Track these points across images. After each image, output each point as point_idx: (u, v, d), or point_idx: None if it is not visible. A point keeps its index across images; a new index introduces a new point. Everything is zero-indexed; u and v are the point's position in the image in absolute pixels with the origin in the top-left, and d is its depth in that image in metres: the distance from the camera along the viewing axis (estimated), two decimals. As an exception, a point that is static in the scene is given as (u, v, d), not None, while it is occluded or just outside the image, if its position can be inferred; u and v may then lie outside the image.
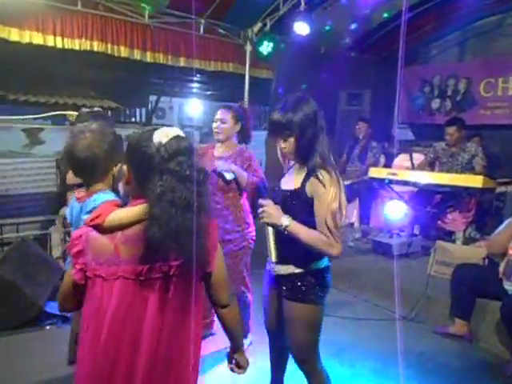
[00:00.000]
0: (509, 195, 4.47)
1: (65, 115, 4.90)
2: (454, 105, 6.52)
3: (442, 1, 5.45)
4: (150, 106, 8.79)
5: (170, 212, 1.08)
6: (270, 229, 1.67)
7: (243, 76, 5.57)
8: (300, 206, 1.67)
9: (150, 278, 1.15)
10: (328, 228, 1.59)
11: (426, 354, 2.82)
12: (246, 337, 2.70)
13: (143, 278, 1.15)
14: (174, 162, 1.11)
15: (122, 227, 1.15)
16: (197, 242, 1.11)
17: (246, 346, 2.70)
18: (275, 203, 1.68)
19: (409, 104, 7.10)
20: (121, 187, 1.62)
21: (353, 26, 5.71)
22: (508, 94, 5.85)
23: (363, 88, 6.32)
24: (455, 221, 4.29)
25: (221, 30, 5.24)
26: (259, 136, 5.61)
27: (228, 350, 1.49)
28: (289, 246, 1.66)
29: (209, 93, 8.98)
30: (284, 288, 1.76)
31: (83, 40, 4.29)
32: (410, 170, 4.64)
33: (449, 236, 4.37)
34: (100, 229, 1.16)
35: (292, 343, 1.80)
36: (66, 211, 1.80)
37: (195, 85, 8.69)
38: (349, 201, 4.86)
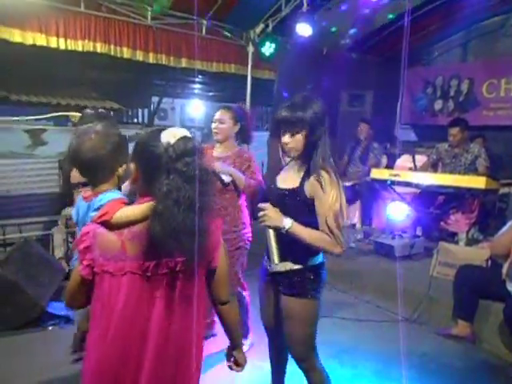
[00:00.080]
0: (512, 196, 4.46)
1: (67, 116, 4.93)
2: (456, 106, 6.51)
3: (445, 2, 5.43)
4: (152, 106, 8.83)
5: (173, 210, 1.10)
6: (271, 231, 1.68)
7: (245, 77, 5.57)
8: (298, 205, 1.68)
9: (157, 274, 1.18)
10: (330, 228, 1.61)
11: (428, 355, 2.81)
12: (246, 337, 2.70)
13: (150, 274, 1.17)
14: (181, 162, 1.13)
15: (128, 224, 1.18)
16: (199, 239, 1.13)
17: (247, 347, 2.70)
18: (271, 201, 1.70)
19: (411, 105, 7.09)
20: (123, 187, 1.63)
21: (355, 28, 5.71)
22: (511, 95, 5.83)
23: (365, 89, 6.32)
24: (458, 222, 4.27)
25: (223, 31, 5.25)
26: (261, 137, 5.61)
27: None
28: (288, 244, 1.67)
29: (211, 94, 9.00)
30: (282, 284, 1.77)
31: (86, 41, 4.30)
32: (412, 171, 4.63)
33: (451, 237, 4.36)
34: (108, 225, 1.18)
35: (290, 340, 1.80)
36: (71, 211, 1.81)
37: (197, 86, 8.72)
38: (350, 202, 4.92)
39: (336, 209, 1.61)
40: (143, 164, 1.21)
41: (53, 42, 4.12)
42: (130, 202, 1.31)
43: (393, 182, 4.20)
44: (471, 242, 4.25)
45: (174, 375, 1.22)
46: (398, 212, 4.33)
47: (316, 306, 1.76)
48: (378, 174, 4.38)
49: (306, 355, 1.81)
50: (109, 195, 1.50)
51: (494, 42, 6.15)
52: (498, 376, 2.63)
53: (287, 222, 1.62)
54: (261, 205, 1.67)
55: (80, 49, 4.29)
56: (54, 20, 4.09)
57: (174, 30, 4.87)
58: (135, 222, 1.18)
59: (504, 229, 2.66)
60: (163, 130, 1.21)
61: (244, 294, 2.67)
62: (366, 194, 5.04)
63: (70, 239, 4.02)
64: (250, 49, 5.45)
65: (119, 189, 1.61)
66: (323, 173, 1.64)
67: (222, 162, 2.48)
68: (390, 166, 5.26)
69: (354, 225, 5.14)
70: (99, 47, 4.40)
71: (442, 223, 4.40)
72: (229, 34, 5.29)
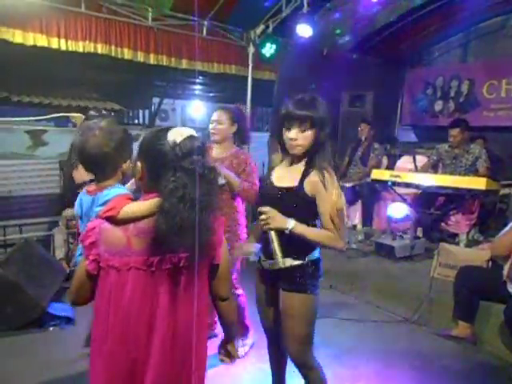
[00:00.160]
0: (512, 197, 4.46)
1: (68, 117, 4.93)
2: (457, 106, 6.51)
3: (445, 2, 5.44)
4: (153, 107, 8.83)
5: (178, 207, 1.12)
6: (273, 232, 1.68)
7: (246, 78, 5.58)
8: (298, 203, 1.69)
9: (161, 269, 1.19)
10: (335, 224, 1.64)
11: (428, 356, 2.81)
12: (246, 337, 2.70)
13: (154, 269, 1.19)
14: (187, 160, 1.15)
15: (134, 220, 1.20)
16: (204, 236, 1.16)
17: (248, 347, 2.70)
18: (267, 199, 1.72)
19: (412, 106, 7.10)
20: (129, 185, 1.65)
21: (355, 28, 5.71)
22: (511, 96, 5.83)
23: (366, 90, 6.31)
24: (458, 223, 4.28)
25: (223, 32, 5.26)
26: (262, 137, 5.62)
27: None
28: (288, 242, 1.69)
29: (211, 95, 9.00)
30: (282, 280, 1.78)
31: (87, 42, 4.31)
32: (412, 172, 4.63)
33: (452, 238, 4.36)
34: (114, 221, 1.20)
35: (289, 339, 1.80)
36: (73, 211, 1.81)
37: (198, 87, 8.72)
38: (351, 203, 4.92)
39: (339, 206, 1.65)
40: (150, 162, 1.23)
41: (54, 43, 4.13)
42: (135, 199, 1.33)
43: (393, 183, 4.20)
44: (472, 243, 4.25)
45: (180, 369, 1.24)
46: (398, 213, 4.33)
47: (315, 302, 1.77)
48: (378, 174, 4.38)
49: (304, 354, 1.81)
50: (115, 190, 1.51)
51: (494, 43, 6.15)
52: (498, 377, 2.63)
53: (290, 223, 1.65)
54: (261, 208, 1.68)
55: (81, 50, 4.30)
56: (54, 21, 4.10)
57: (175, 31, 4.87)
58: (141, 217, 1.20)
59: (505, 230, 2.65)
60: (170, 128, 1.23)
61: (238, 293, 2.66)
62: (367, 195, 5.03)
63: (70, 240, 4.03)
64: (251, 50, 5.45)
65: (123, 184, 1.62)
66: (326, 173, 1.67)
67: (219, 164, 2.47)
68: (390, 167, 5.26)
69: (354, 226, 5.14)
70: (100, 48, 4.41)
71: (442, 224, 4.40)
72: (229, 35, 5.30)
